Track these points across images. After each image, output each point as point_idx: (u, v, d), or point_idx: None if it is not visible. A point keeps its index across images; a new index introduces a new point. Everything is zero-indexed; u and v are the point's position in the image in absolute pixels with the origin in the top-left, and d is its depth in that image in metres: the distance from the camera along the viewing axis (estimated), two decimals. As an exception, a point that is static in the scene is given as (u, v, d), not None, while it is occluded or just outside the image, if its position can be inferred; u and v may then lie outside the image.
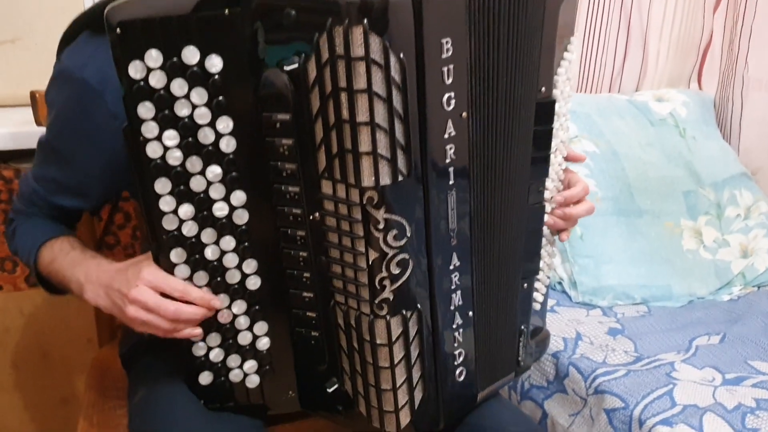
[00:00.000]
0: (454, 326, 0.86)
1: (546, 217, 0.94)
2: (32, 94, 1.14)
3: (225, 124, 0.76)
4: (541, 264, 0.95)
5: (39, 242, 0.93)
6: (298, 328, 0.86)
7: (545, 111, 0.87)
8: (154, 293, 0.79)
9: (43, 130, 0.95)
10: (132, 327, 0.82)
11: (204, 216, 0.79)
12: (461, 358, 0.88)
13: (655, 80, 1.68)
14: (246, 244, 0.81)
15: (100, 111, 0.84)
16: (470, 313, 0.87)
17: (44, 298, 1.46)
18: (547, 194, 0.92)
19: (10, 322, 1.46)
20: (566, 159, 0.95)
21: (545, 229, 0.94)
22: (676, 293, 1.49)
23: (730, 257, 1.55)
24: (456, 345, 0.87)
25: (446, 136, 0.76)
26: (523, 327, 0.96)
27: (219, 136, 0.76)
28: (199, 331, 0.82)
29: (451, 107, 0.75)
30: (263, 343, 0.87)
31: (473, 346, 0.89)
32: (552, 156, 0.89)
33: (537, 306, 0.98)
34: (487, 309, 0.89)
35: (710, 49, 1.70)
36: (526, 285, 0.95)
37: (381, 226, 0.75)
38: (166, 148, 0.75)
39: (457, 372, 0.88)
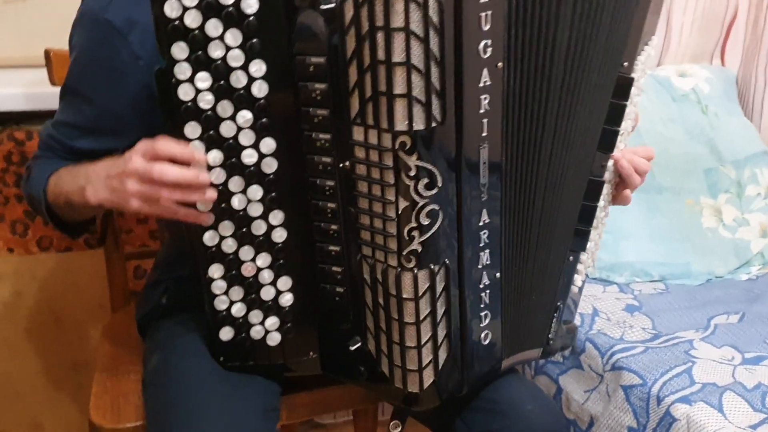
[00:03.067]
0: (482, 286, 0.84)
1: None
2: (46, 53, 1.12)
3: (258, 67, 0.74)
4: (589, 245, 0.93)
5: (49, 172, 0.91)
6: (323, 284, 0.85)
7: (622, 87, 0.85)
8: (143, 158, 0.74)
9: (57, 91, 0.95)
10: (133, 208, 0.77)
11: (232, 163, 0.77)
12: (487, 320, 0.86)
13: (678, 55, 1.66)
14: (273, 194, 0.80)
15: (124, 51, 0.83)
16: (497, 275, 0.85)
17: (56, 261, 1.45)
18: (607, 175, 0.90)
19: (23, 286, 1.44)
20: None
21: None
22: (694, 271, 1.48)
23: (750, 236, 1.53)
24: (482, 306, 0.85)
25: (481, 84, 0.74)
26: (559, 303, 0.94)
27: (251, 80, 0.75)
28: (207, 216, 0.78)
29: (487, 55, 0.73)
30: (286, 299, 0.86)
31: (500, 309, 0.87)
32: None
33: (575, 290, 0.96)
34: (520, 271, 0.87)
35: (734, 24, 1.67)
36: (572, 258, 0.92)
37: (412, 173, 0.73)
38: (198, 91, 0.74)
39: (483, 334, 0.86)
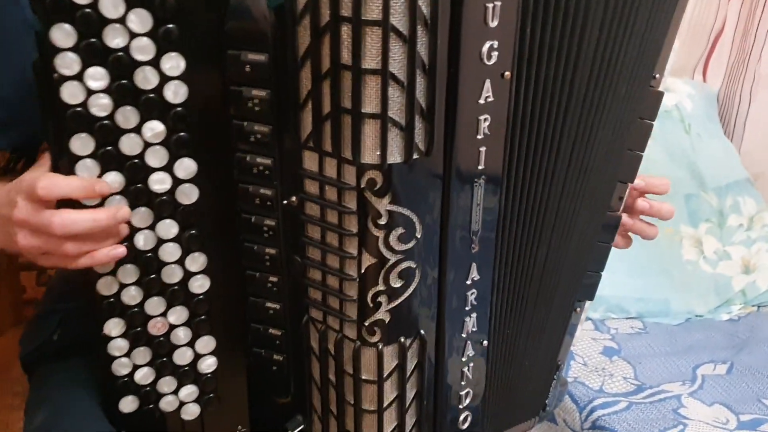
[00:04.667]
0: (464, 359, 0.67)
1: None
2: None
3: (174, 63, 0.55)
4: None
5: None
6: (256, 349, 0.66)
7: (653, 103, 0.69)
8: (32, 204, 0.56)
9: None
10: (36, 262, 0.61)
11: (137, 190, 0.58)
12: (468, 400, 0.69)
13: (659, 67, 1.52)
14: (193, 231, 0.61)
15: (14, 17, 0.64)
16: (484, 342, 0.68)
17: None
18: (622, 204, 0.73)
19: None
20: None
21: None
22: (673, 309, 1.39)
23: (731, 272, 1.44)
24: (464, 383, 0.68)
25: (482, 101, 0.55)
26: (560, 362, 0.77)
27: (165, 79, 0.56)
28: (120, 250, 0.58)
29: (492, 61, 0.55)
30: (208, 364, 0.68)
31: (484, 384, 0.71)
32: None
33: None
34: (512, 338, 0.71)
35: (721, 38, 1.54)
36: (578, 310, 0.77)
37: (382, 221, 0.55)
38: (89, 92, 0.55)
39: (462, 417, 0.69)
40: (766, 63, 1.48)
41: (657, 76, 0.69)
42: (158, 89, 0.55)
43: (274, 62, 0.53)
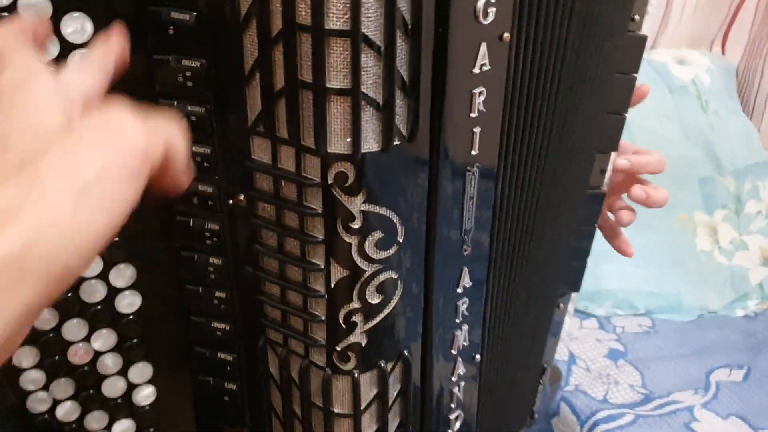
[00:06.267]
0: (454, 379, 0.55)
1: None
2: None
3: (78, 25, 0.42)
4: None
5: None
6: (202, 376, 0.54)
7: (634, 51, 0.56)
8: None
9: None
10: None
11: None
12: (458, 424, 0.58)
13: (674, 38, 1.39)
14: (116, 239, 0.48)
15: None
16: (477, 357, 0.57)
17: None
18: (606, 177, 0.61)
19: None
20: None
21: None
22: (685, 305, 1.26)
23: (748, 263, 1.31)
24: (454, 406, 0.56)
25: (476, 69, 0.43)
26: (545, 365, 0.67)
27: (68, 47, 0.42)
28: None
29: (489, 19, 0.42)
30: (145, 395, 0.57)
31: (475, 402, 0.60)
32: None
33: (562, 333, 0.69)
34: (505, 348, 0.60)
35: (743, 7, 1.41)
36: (562, 305, 0.66)
37: (356, 224, 0.43)
38: None
39: (451, 446, 0.57)
40: (791, 35, 1.36)
41: (636, 17, 0.56)
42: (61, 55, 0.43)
43: (208, 22, 0.41)
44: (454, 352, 0.54)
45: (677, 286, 1.24)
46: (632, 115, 1.30)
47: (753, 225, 1.33)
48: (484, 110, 0.46)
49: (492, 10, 0.43)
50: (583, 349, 1.12)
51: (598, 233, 0.71)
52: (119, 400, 0.55)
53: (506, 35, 0.45)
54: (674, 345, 1.15)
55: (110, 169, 0.31)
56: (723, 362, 1.11)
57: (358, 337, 0.47)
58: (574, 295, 0.70)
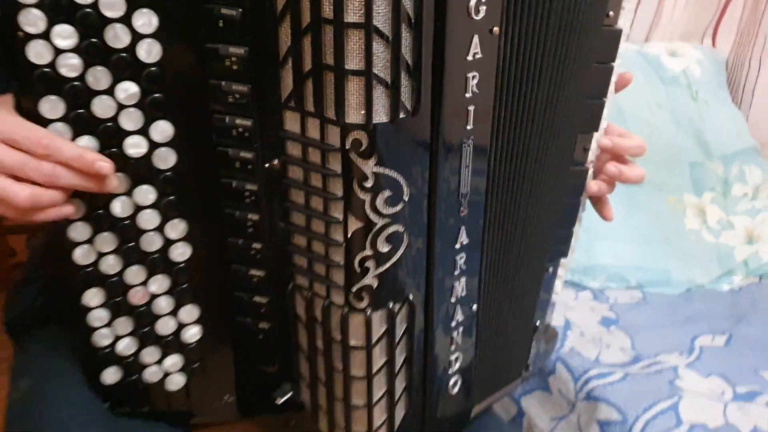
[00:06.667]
0: (454, 323, 0.65)
1: (590, 181, 0.73)
2: None
3: (146, 19, 0.52)
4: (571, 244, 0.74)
5: None
6: (240, 317, 0.64)
7: (610, 43, 0.65)
8: (11, 149, 0.52)
9: None
10: None
11: (112, 154, 0.55)
12: (457, 365, 0.67)
13: (667, 32, 1.48)
14: (171, 198, 0.59)
15: None
16: (474, 307, 0.66)
17: None
18: (590, 155, 0.70)
19: None
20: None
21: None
22: (674, 279, 1.35)
23: (734, 242, 1.40)
24: (453, 348, 0.66)
25: (470, 57, 0.53)
26: (538, 323, 0.75)
27: (137, 37, 0.52)
28: (69, 210, 0.56)
29: (481, 15, 0.52)
30: (192, 334, 0.66)
31: (473, 348, 0.69)
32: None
33: (555, 297, 0.78)
34: (498, 301, 0.69)
35: (732, 1, 1.49)
36: (551, 269, 0.74)
37: (369, 183, 0.52)
38: (57, 51, 0.51)
39: (451, 382, 0.67)
40: (777, 29, 1.44)
41: (611, 13, 0.64)
42: (130, 48, 0.52)
43: (251, 17, 0.50)
44: (453, 300, 0.64)
45: (667, 262, 1.33)
46: (626, 104, 1.41)
47: (739, 206, 1.42)
48: (477, 91, 0.55)
49: (483, 8, 0.52)
50: (578, 317, 1.21)
51: (591, 208, 0.79)
52: (170, 338, 0.65)
53: (496, 29, 0.54)
54: (663, 315, 1.24)
55: None
56: (707, 329, 1.19)
57: (370, 280, 0.56)
58: (563, 261, 0.78)
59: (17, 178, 0.53)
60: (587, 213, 1.27)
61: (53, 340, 0.76)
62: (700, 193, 1.40)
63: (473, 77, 0.54)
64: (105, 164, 0.53)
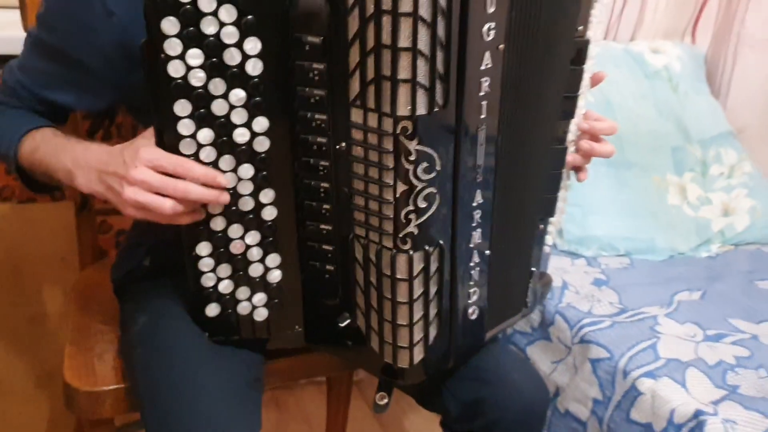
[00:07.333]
0: (472, 264, 0.85)
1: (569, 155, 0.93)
2: (21, -5, 1.06)
3: (253, 44, 0.72)
4: (557, 205, 0.95)
5: (21, 132, 0.88)
6: (312, 262, 0.84)
7: (580, 51, 0.85)
8: (155, 173, 0.74)
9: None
10: (126, 212, 0.77)
11: (224, 142, 0.76)
12: (475, 297, 0.88)
13: (651, 31, 1.67)
14: (264, 173, 0.79)
15: (97, 5, 0.80)
16: (487, 252, 0.86)
17: (15, 211, 1.38)
18: (569, 136, 0.91)
19: (-19, 235, 1.37)
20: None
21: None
22: (658, 247, 1.52)
23: (711, 215, 1.58)
24: (472, 283, 0.86)
25: (483, 67, 0.73)
26: (533, 269, 0.96)
27: (246, 57, 0.73)
28: (202, 214, 0.78)
29: (491, 38, 0.72)
30: (274, 276, 0.85)
31: (486, 284, 0.89)
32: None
33: (547, 249, 0.98)
34: (504, 248, 0.89)
35: (708, 2, 1.69)
36: (542, 226, 0.94)
37: (412, 157, 0.73)
38: (189, 68, 0.72)
39: (470, 310, 0.88)
40: (749, 25, 1.61)
41: (580, 28, 0.84)
42: (241, 65, 0.72)
43: (328, 42, 0.71)
44: (471, 245, 0.84)
45: (652, 232, 1.50)
46: (614, 96, 1.61)
47: (716, 184, 1.60)
48: (489, 90, 0.76)
49: (492, 31, 0.73)
50: (574, 279, 1.39)
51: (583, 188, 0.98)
52: (258, 279, 0.84)
53: (501, 46, 0.74)
54: (647, 276, 1.42)
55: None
56: (685, 287, 1.38)
57: (412, 228, 0.77)
58: (552, 219, 0.97)
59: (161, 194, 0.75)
60: (582, 192, 1.50)
61: (159, 290, 0.95)
62: (681, 173, 1.58)
63: (485, 81, 0.74)
64: (223, 180, 0.75)
